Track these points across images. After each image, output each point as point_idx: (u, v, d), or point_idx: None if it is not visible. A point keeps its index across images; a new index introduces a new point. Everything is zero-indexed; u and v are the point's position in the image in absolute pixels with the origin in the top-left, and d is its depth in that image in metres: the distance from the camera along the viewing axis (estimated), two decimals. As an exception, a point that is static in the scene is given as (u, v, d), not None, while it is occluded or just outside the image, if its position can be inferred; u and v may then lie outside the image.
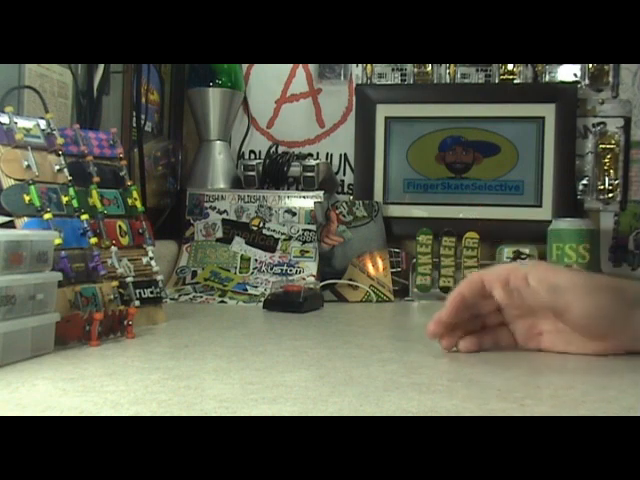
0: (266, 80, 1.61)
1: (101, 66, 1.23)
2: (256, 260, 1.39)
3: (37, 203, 0.80)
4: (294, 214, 1.44)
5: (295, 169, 1.49)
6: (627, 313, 0.72)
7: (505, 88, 1.50)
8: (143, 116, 1.39)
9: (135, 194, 0.97)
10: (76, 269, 0.82)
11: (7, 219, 0.79)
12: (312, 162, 1.49)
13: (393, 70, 1.55)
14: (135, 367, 0.68)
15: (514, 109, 1.47)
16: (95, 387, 0.59)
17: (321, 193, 1.45)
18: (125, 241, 0.93)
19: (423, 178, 1.51)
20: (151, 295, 0.94)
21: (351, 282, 1.33)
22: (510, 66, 1.51)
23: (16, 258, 0.67)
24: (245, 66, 1.60)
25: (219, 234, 1.43)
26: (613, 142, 1.47)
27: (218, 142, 1.55)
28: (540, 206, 1.45)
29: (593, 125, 1.48)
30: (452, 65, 1.53)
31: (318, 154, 1.58)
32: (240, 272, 1.37)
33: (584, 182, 1.48)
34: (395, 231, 1.47)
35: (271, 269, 1.38)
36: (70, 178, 0.86)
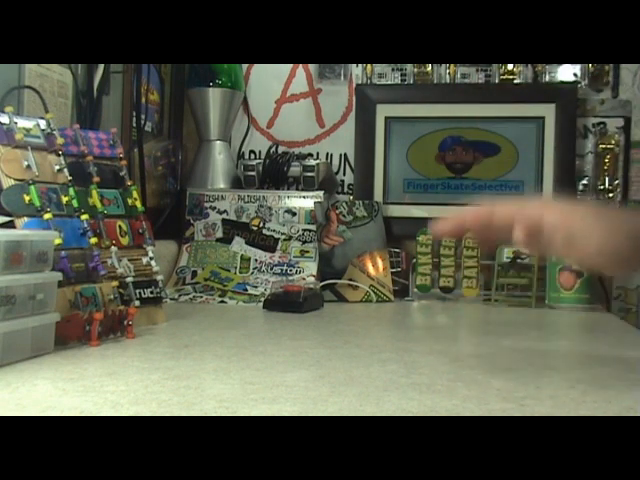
0: (266, 80, 1.61)
1: (101, 66, 1.23)
2: (256, 260, 1.39)
3: (37, 203, 0.80)
4: (294, 214, 1.44)
5: (295, 169, 1.49)
6: None
7: (505, 88, 1.50)
8: (143, 116, 1.39)
9: (135, 194, 0.97)
10: (76, 269, 0.82)
11: (7, 219, 0.79)
12: (312, 162, 1.48)
13: (393, 70, 1.55)
14: (135, 367, 0.68)
15: (514, 109, 1.47)
16: (95, 387, 0.59)
17: (321, 193, 1.45)
18: (125, 241, 0.93)
19: (423, 178, 1.51)
20: (151, 295, 0.94)
21: (351, 282, 1.33)
22: (510, 66, 1.51)
23: (16, 258, 0.67)
24: (245, 66, 1.60)
25: (219, 234, 1.43)
26: (613, 142, 1.47)
27: (218, 142, 1.55)
28: (540, 206, 1.45)
29: (593, 125, 1.48)
30: (452, 65, 1.53)
31: (318, 154, 1.58)
32: (240, 272, 1.37)
33: (584, 182, 1.48)
34: (395, 231, 1.47)
35: (271, 269, 1.38)
36: (70, 178, 0.86)
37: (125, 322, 0.82)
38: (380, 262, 1.37)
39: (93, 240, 0.85)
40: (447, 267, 1.37)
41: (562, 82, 1.49)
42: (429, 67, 1.54)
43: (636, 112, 1.47)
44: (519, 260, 1.33)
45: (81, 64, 1.20)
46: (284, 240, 1.41)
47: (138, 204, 0.97)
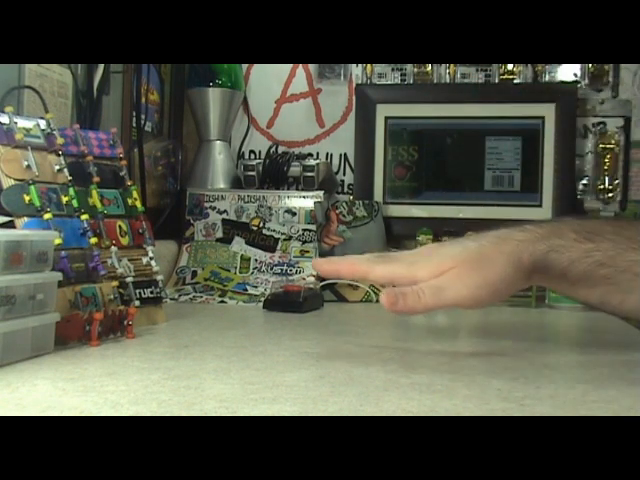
0: (266, 80, 1.61)
1: (101, 66, 1.23)
2: (256, 260, 1.39)
3: (37, 203, 0.80)
4: (294, 214, 1.44)
5: (295, 169, 1.49)
6: (523, 281, 0.69)
7: (505, 88, 1.50)
8: (143, 116, 1.39)
9: (135, 194, 0.97)
10: (76, 269, 0.82)
11: (7, 219, 0.79)
12: (312, 162, 1.49)
13: (393, 70, 1.55)
14: (135, 367, 0.68)
15: (514, 109, 1.47)
16: (95, 387, 0.59)
17: (321, 193, 1.45)
18: (125, 241, 0.93)
19: (423, 178, 1.51)
20: (151, 295, 0.94)
21: (351, 282, 1.33)
22: (510, 66, 1.51)
23: (16, 258, 0.67)
24: (245, 66, 1.60)
25: (219, 234, 1.43)
26: (613, 142, 1.47)
27: (218, 142, 1.55)
28: (540, 206, 1.45)
29: (593, 125, 1.49)
30: (452, 65, 1.53)
31: (318, 154, 1.58)
32: (240, 272, 1.37)
33: (584, 182, 1.49)
34: (395, 231, 1.47)
35: (271, 269, 1.38)
36: (70, 178, 0.86)
37: (125, 322, 0.82)
38: (380, 262, 1.37)
39: (93, 240, 0.85)
40: (447, 267, 1.36)
41: (562, 82, 1.49)
42: (429, 67, 1.54)
43: (636, 112, 1.47)
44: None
45: (81, 64, 1.20)
46: (284, 240, 1.41)
47: (138, 204, 0.97)
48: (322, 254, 1.37)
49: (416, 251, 0.77)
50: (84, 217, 0.85)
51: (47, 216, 0.80)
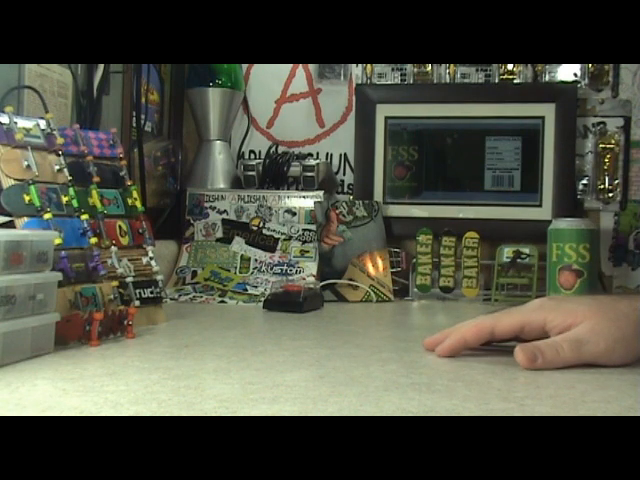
0: (266, 80, 1.61)
1: (101, 66, 1.23)
2: (256, 260, 1.39)
3: (37, 203, 0.80)
4: (294, 214, 1.44)
5: (295, 169, 1.49)
6: None
7: (505, 88, 1.50)
8: (143, 116, 1.39)
9: (135, 194, 0.97)
10: (76, 269, 0.82)
11: (7, 219, 0.79)
12: (312, 162, 1.49)
13: (393, 70, 1.55)
14: (135, 367, 0.68)
15: (514, 109, 1.47)
16: (95, 387, 0.59)
17: (321, 193, 1.45)
18: (125, 241, 0.93)
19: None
20: (151, 295, 0.94)
21: (351, 282, 1.33)
22: (510, 66, 1.51)
23: (16, 258, 0.67)
24: (245, 66, 1.60)
25: (219, 234, 1.43)
26: (613, 142, 1.47)
27: (218, 142, 1.55)
28: (540, 206, 1.45)
29: (593, 125, 1.48)
30: (452, 65, 1.53)
31: (318, 154, 1.58)
32: (240, 272, 1.37)
33: (584, 182, 1.48)
34: (395, 231, 1.47)
35: (271, 269, 1.38)
36: (70, 178, 0.86)
37: (125, 322, 0.82)
38: (380, 262, 1.37)
39: (93, 240, 0.85)
40: (447, 267, 1.37)
41: (562, 82, 1.49)
42: (429, 67, 1.54)
43: (636, 112, 1.47)
44: (519, 260, 1.33)
45: (81, 64, 1.20)
46: (284, 240, 1.41)
47: (138, 204, 0.97)
48: (322, 254, 1.37)
49: (533, 301, 0.76)
50: (84, 217, 0.85)
51: (47, 216, 0.80)
